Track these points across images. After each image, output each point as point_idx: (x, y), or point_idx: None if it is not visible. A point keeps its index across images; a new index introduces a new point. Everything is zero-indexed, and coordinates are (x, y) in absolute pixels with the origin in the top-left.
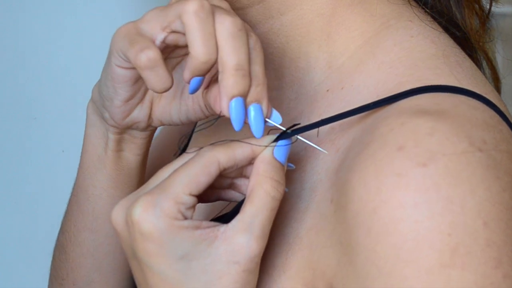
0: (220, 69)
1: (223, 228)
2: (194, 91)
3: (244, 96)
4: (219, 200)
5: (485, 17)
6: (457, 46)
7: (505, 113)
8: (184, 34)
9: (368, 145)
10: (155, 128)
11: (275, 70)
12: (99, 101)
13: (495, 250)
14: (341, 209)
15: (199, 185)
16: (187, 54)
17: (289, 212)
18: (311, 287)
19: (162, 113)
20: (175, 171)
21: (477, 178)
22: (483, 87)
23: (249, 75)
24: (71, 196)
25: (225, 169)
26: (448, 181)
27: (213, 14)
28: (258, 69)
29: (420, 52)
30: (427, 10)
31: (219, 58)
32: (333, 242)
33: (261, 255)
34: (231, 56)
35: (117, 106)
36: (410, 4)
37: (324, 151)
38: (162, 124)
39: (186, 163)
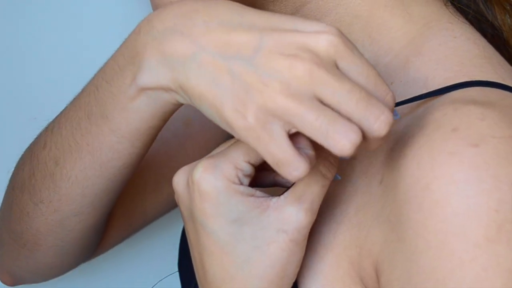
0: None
1: (276, 199)
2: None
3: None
4: (275, 185)
5: None
6: (495, 49)
7: None
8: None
9: (422, 128)
10: None
11: None
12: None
13: None
14: (392, 188)
15: (257, 155)
16: None
17: (339, 195)
18: (356, 265)
19: None
20: (237, 141)
21: None
22: None
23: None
24: (83, 153)
25: None
26: (498, 161)
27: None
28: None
29: (465, 52)
30: (464, 8)
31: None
32: (380, 221)
33: (309, 228)
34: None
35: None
36: (447, 6)
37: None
38: None
39: None
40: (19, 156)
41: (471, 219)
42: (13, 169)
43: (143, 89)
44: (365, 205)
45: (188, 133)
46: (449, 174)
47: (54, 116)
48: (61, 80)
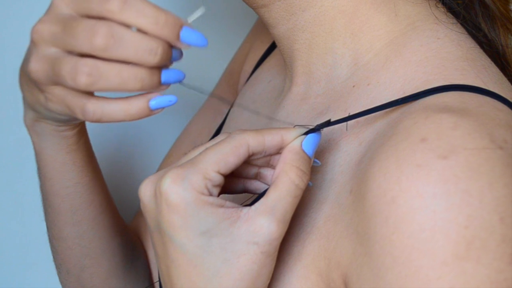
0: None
1: (246, 209)
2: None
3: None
4: (245, 192)
5: None
6: (483, 52)
7: None
8: None
9: (391, 137)
10: None
11: (303, 66)
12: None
13: (510, 246)
14: (360, 199)
15: (227, 164)
16: None
17: (309, 203)
18: (325, 276)
19: None
20: (206, 149)
21: (496, 173)
22: (508, 92)
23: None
24: (42, 200)
25: (253, 154)
26: (468, 174)
27: (105, 26)
28: (142, 8)
29: (447, 53)
30: (456, 10)
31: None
32: (349, 232)
33: (281, 240)
34: (148, 24)
35: (66, 118)
36: (436, 7)
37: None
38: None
39: (217, 143)
40: (19, 156)
41: (438, 235)
42: (13, 168)
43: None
44: (335, 215)
45: None
46: (415, 188)
47: None
48: None
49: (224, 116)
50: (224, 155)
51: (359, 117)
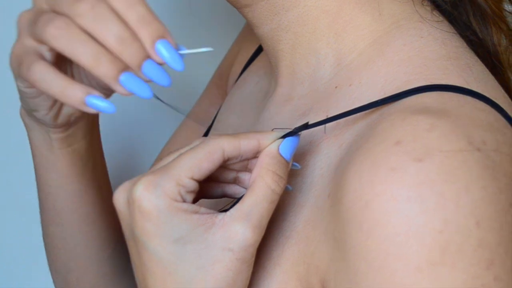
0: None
1: (221, 215)
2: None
3: (146, 57)
4: (224, 197)
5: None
6: (470, 50)
7: None
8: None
9: (368, 140)
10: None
11: (287, 67)
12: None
13: (487, 251)
14: (336, 203)
15: (201, 170)
16: None
17: (288, 206)
18: (304, 282)
19: None
20: (180, 155)
21: (473, 176)
22: (493, 91)
23: (134, 39)
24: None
25: (229, 159)
26: (443, 177)
27: (63, 19)
28: (139, 11)
29: (430, 53)
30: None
31: (102, 43)
32: (327, 237)
33: (257, 246)
34: (106, 37)
35: (44, 114)
36: (422, 5)
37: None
38: None
39: (191, 148)
40: (19, 156)
41: (412, 240)
42: (13, 168)
43: None
44: (314, 219)
45: None
46: (389, 192)
47: None
48: None
49: (212, 119)
50: (198, 160)
51: (337, 120)
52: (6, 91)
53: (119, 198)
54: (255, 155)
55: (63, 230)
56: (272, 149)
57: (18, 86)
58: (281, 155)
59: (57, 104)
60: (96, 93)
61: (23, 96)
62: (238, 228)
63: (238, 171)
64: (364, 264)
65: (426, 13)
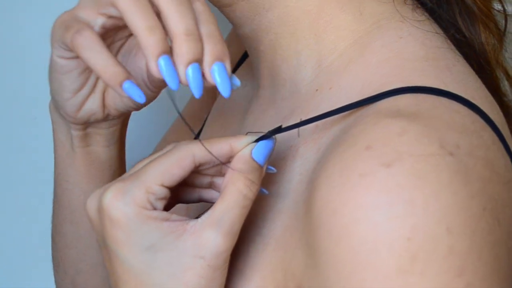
0: (171, 39)
1: (193, 222)
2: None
3: (200, 61)
4: (200, 202)
5: (501, 34)
6: (452, 50)
7: (496, 121)
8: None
9: (340, 144)
10: (123, 117)
11: (268, 68)
12: (54, 98)
13: (458, 258)
14: (309, 209)
15: (171, 177)
16: (130, 35)
17: (268, 213)
18: None
19: (115, 101)
20: (150, 161)
21: (444, 182)
22: (473, 92)
23: (200, 39)
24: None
25: (200, 164)
26: (412, 183)
27: None
28: (212, 28)
29: (409, 54)
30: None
31: (167, 27)
32: (302, 244)
33: (229, 252)
34: (178, 23)
35: (66, 99)
36: (404, 4)
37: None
38: (120, 112)
39: (162, 155)
40: (19, 156)
41: (381, 248)
42: (13, 168)
43: None
44: (292, 225)
45: None
46: (356, 199)
47: None
48: None
49: (203, 122)
50: (168, 167)
51: (310, 123)
52: (6, 91)
53: (91, 205)
54: (229, 159)
55: (76, 230)
56: (245, 153)
57: (52, 57)
58: (253, 160)
59: (82, 93)
60: (135, 80)
61: (52, 70)
62: (209, 235)
63: (213, 176)
64: (333, 272)
65: (407, 12)
